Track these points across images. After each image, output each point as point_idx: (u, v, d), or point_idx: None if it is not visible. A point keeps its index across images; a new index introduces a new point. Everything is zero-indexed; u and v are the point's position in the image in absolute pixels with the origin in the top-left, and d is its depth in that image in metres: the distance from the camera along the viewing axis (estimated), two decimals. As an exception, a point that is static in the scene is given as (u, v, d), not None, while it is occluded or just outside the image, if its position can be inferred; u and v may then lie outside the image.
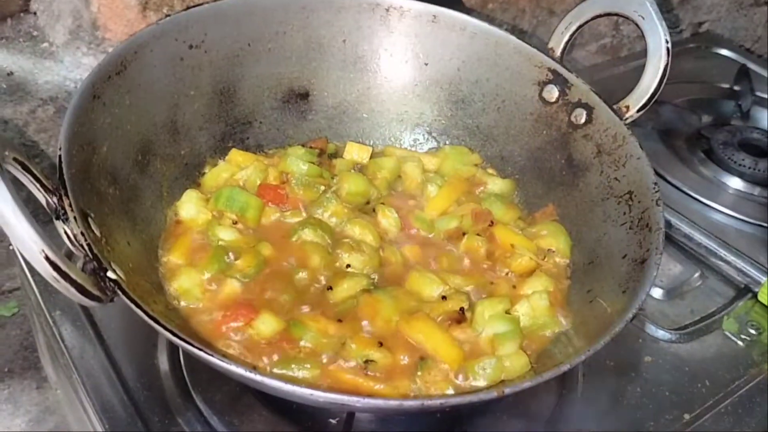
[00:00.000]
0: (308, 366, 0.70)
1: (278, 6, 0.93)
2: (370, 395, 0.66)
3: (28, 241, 0.53)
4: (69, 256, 0.61)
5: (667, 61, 0.85)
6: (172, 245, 0.82)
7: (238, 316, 0.74)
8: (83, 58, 1.01)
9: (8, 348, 1.16)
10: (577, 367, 0.86)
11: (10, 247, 1.05)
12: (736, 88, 1.39)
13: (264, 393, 0.75)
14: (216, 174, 0.90)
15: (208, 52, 0.89)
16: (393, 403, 0.58)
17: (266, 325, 0.73)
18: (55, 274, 0.54)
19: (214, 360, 0.58)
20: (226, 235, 0.82)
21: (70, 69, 1.00)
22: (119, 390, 0.79)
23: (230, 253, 0.80)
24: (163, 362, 0.83)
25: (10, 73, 0.97)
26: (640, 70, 0.88)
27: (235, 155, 0.92)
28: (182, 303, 0.76)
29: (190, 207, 0.85)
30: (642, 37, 0.87)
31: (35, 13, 0.99)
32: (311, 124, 1.01)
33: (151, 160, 0.84)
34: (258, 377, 0.57)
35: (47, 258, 0.54)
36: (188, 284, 0.77)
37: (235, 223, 0.84)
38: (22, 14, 0.98)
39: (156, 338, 0.85)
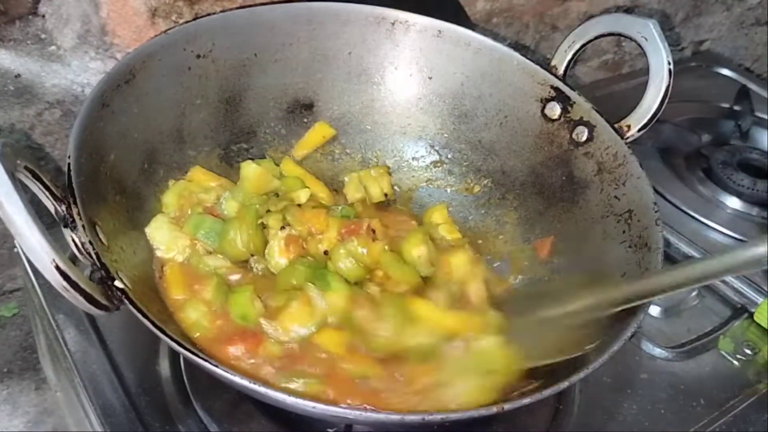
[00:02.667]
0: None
1: (285, 18, 0.94)
2: (370, 408, 0.67)
3: (39, 251, 0.54)
4: (73, 260, 0.62)
5: (669, 82, 0.87)
6: (168, 283, 0.78)
7: (245, 344, 0.74)
8: (91, 63, 1.01)
9: (8, 349, 1.16)
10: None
11: (15, 250, 1.05)
12: (736, 108, 1.40)
13: (263, 402, 0.75)
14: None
15: (215, 61, 0.90)
16: (394, 417, 0.58)
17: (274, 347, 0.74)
18: (65, 283, 0.55)
19: (218, 370, 0.58)
20: (215, 262, 0.81)
21: (78, 73, 1.01)
22: (121, 394, 0.80)
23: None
24: (165, 368, 0.83)
25: (18, 76, 0.98)
26: (641, 87, 0.89)
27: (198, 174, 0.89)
28: (196, 334, 0.75)
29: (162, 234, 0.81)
30: (644, 55, 0.88)
31: (44, 16, 0.99)
32: (315, 135, 1.02)
33: (157, 169, 0.85)
34: (261, 388, 0.58)
35: (58, 268, 0.55)
36: (195, 316, 0.75)
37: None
38: (30, 17, 0.98)
39: (158, 344, 0.85)
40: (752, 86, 1.48)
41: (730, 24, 1.77)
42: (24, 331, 1.16)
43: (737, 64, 1.74)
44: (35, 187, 0.64)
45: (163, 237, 0.80)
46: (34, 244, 0.54)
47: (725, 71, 1.59)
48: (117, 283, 0.61)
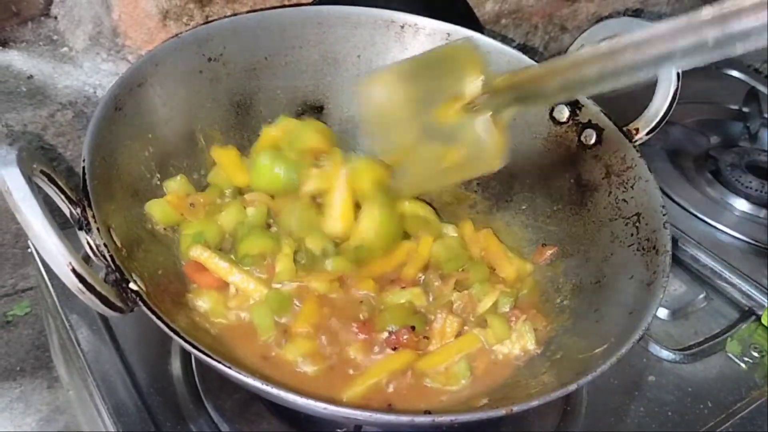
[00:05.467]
0: None
1: (295, 21, 0.95)
2: (380, 410, 0.67)
3: (56, 254, 0.55)
4: (86, 259, 0.63)
5: (677, 85, 0.87)
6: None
7: None
8: (102, 64, 1.02)
9: (20, 347, 1.17)
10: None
11: (28, 249, 1.06)
12: (745, 109, 1.40)
13: (274, 402, 0.76)
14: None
15: (226, 65, 0.91)
16: (404, 418, 0.59)
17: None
18: (81, 286, 0.56)
19: (230, 371, 0.59)
20: None
21: (90, 74, 1.02)
22: (133, 394, 0.81)
23: None
24: (176, 368, 0.84)
25: (30, 77, 0.99)
26: (650, 87, 0.89)
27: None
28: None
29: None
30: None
31: (56, 18, 1.00)
32: (325, 136, 1.02)
33: (169, 171, 0.85)
34: (273, 389, 0.59)
35: (74, 270, 0.55)
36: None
37: None
38: (42, 18, 0.99)
39: (170, 344, 0.86)
40: (761, 88, 1.48)
41: (739, 25, 1.76)
42: (36, 330, 1.17)
43: (746, 65, 1.73)
44: (50, 190, 0.65)
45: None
46: (50, 248, 0.55)
47: (734, 73, 1.58)
48: (132, 285, 0.61)
